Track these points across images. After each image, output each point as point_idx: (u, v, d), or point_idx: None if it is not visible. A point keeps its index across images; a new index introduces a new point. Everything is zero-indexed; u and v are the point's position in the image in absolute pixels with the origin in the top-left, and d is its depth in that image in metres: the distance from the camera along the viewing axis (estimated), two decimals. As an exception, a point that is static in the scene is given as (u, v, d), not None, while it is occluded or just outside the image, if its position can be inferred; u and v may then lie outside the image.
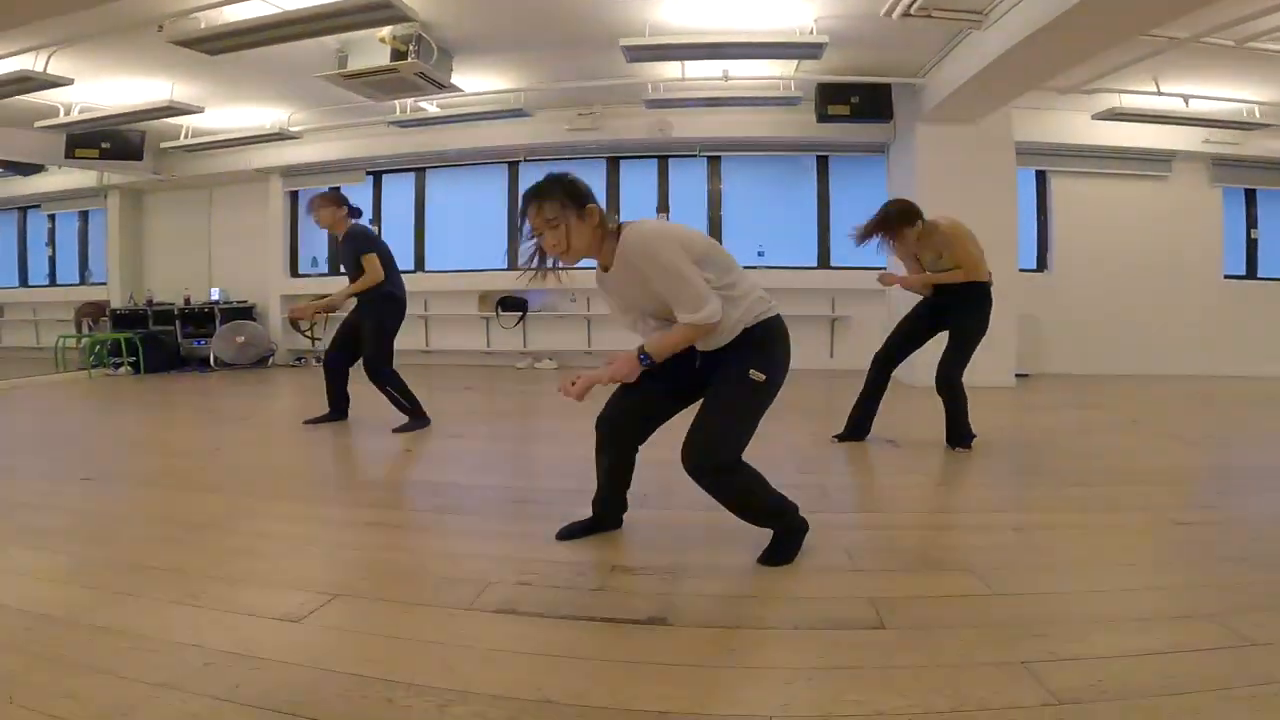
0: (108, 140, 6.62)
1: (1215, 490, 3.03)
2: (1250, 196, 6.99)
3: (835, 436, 3.75)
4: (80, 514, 2.57)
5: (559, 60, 5.70)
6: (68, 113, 5.99)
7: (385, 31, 4.74)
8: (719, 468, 1.94)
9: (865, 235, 3.47)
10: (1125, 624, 1.68)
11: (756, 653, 1.59)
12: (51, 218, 8.83)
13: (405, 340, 7.38)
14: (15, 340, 9.01)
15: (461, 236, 7.76)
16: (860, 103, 5.85)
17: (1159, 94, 5.49)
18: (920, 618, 1.73)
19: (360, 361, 4.07)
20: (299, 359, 7.89)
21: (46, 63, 4.75)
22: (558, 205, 1.89)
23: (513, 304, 7.49)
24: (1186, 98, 5.57)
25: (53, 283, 8.89)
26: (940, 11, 4.41)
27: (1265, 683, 1.40)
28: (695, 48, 4.88)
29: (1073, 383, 6.33)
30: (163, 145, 7.12)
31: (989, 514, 2.66)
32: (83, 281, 8.66)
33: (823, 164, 7.18)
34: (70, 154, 6.60)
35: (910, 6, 4.33)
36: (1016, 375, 6.15)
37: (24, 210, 8.91)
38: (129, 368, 7.14)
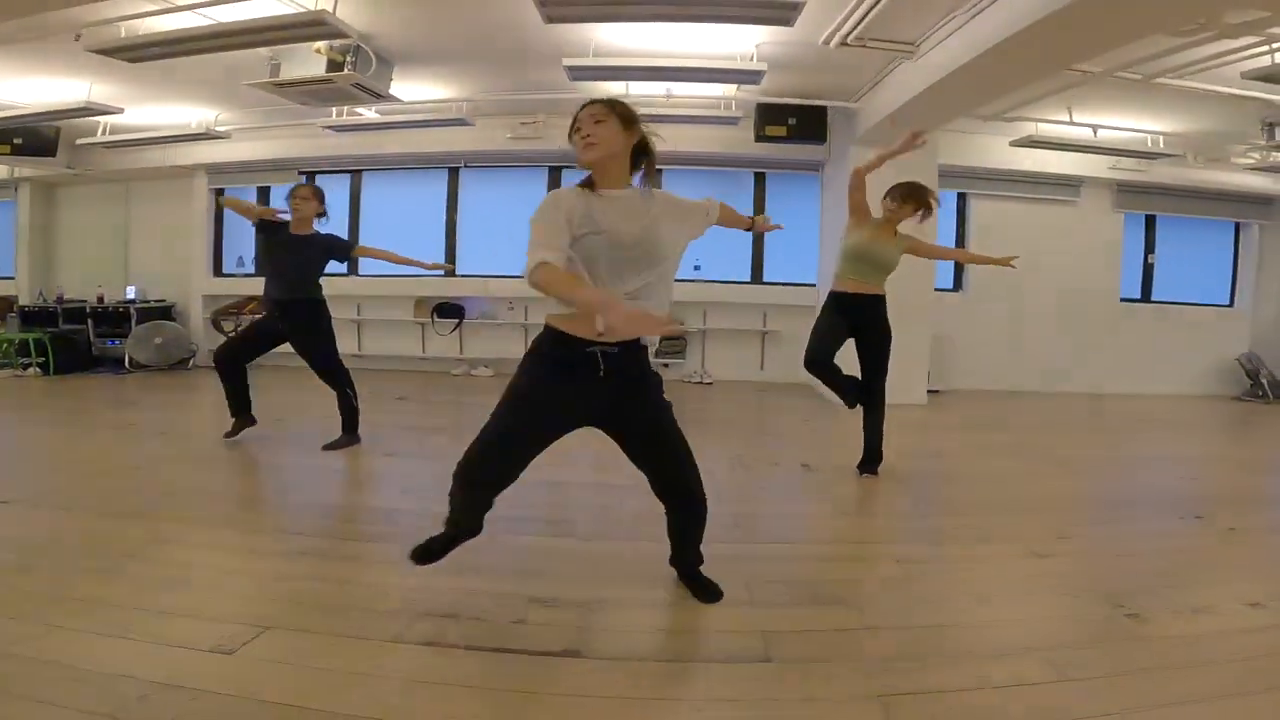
0: (19, 136, 6.31)
1: (1077, 520, 3.22)
2: (1150, 222, 7.53)
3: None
4: (-2, 541, 2.49)
5: (501, 73, 5.70)
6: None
7: (321, 43, 4.66)
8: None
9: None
10: (974, 658, 1.86)
11: (662, 686, 1.73)
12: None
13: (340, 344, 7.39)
14: None
15: (398, 241, 7.59)
16: (797, 124, 6.05)
17: (1071, 123, 5.88)
18: (801, 652, 1.88)
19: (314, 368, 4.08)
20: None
21: None
22: (609, 110, 1.95)
23: (449, 310, 7.44)
24: (1095, 127, 5.97)
25: (-48, 276, 8.34)
26: (875, 42, 4.62)
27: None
28: (638, 70, 4.97)
29: (978, 399, 6.73)
30: (79, 142, 6.77)
31: (877, 545, 2.88)
32: (-12, 277, 8.16)
33: (760, 180, 7.39)
34: (-19, 149, 6.25)
35: (847, 36, 4.53)
36: (928, 391, 6.47)
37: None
38: (38, 369, 6.78)
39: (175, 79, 5.44)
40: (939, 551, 2.70)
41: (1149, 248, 7.56)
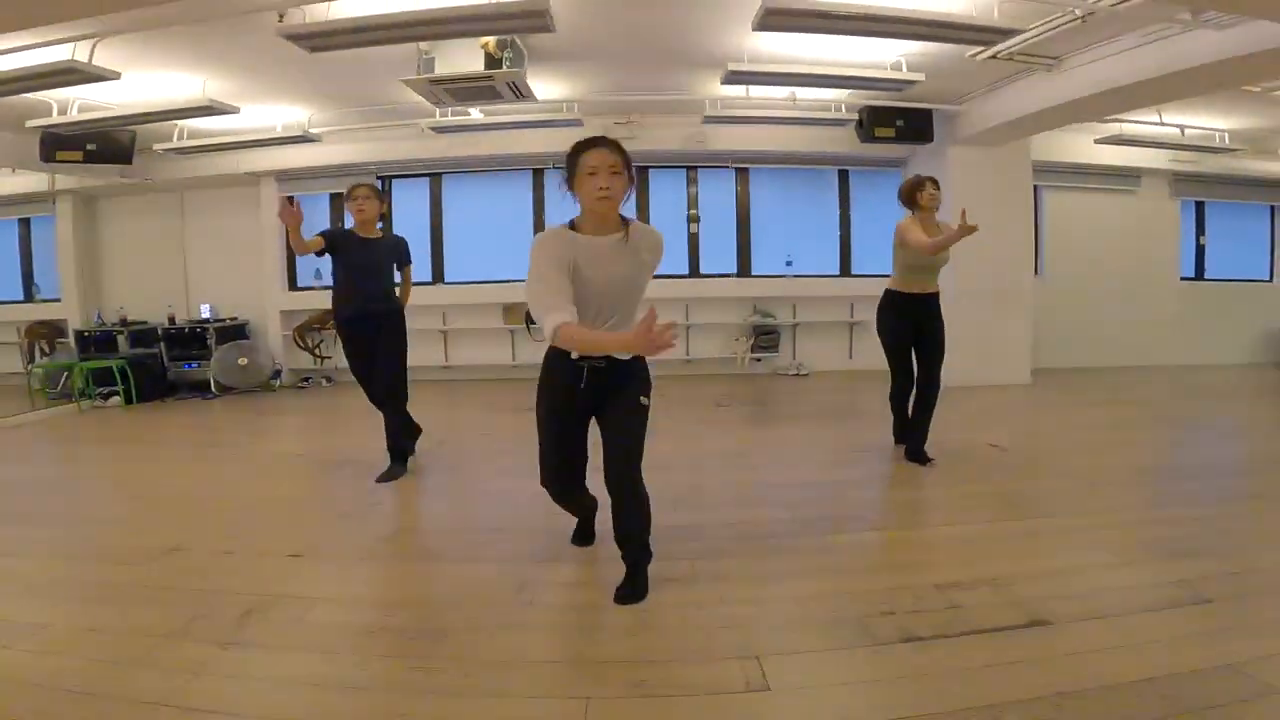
0: (94, 141, 5.81)
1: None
2: (1200, 207, 8.02)
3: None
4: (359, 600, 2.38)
5: (623, 71, 5.61)
6: (63, 111, 5.23)
7: (490, 38, 4.49)
8: (637, 475, 2.26)
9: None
10: None
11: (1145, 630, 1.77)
12: (-16, 226, 7.65)
13: (422, 355, 7.21)
14: None
15: (483, 245, 7.46)
16: (905, 126, 6.18)
17: (1161, 124, 6.19)
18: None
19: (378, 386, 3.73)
20: (306, 379, 7.35)
21: (91, 53, 4.08)
22: (623, 162, 2.12)
23: (538, 316, 7.33)
24: (1183, 127, 6.31)
25: (-12, 299, 7.73)
26: (1022, 56, 4.77)
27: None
28: (794, 76, 4.99)
29: (1072, 377, 7.06)
30: (156, 148, 6.31)
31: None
32: (29, 299, 7.57)
33: (843, 177, 7.51)
34: (49, 157, 5.73)
35: (997, 52, 4.66)
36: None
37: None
38: (121, 398, 6.39)
39: (284, 75, 5.10)
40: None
41: (1200, 230, 8.05)
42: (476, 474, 4.00)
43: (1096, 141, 6.76)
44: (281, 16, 3.75)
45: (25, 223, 7.60)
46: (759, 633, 2.10)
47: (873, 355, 7.54)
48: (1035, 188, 7.58)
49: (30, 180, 6.99)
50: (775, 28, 3.88)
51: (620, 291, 2.19)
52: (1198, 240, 8.06)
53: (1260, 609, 2.18)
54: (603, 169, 2.06)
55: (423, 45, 4.61)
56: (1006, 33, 4.02)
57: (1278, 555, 2.61)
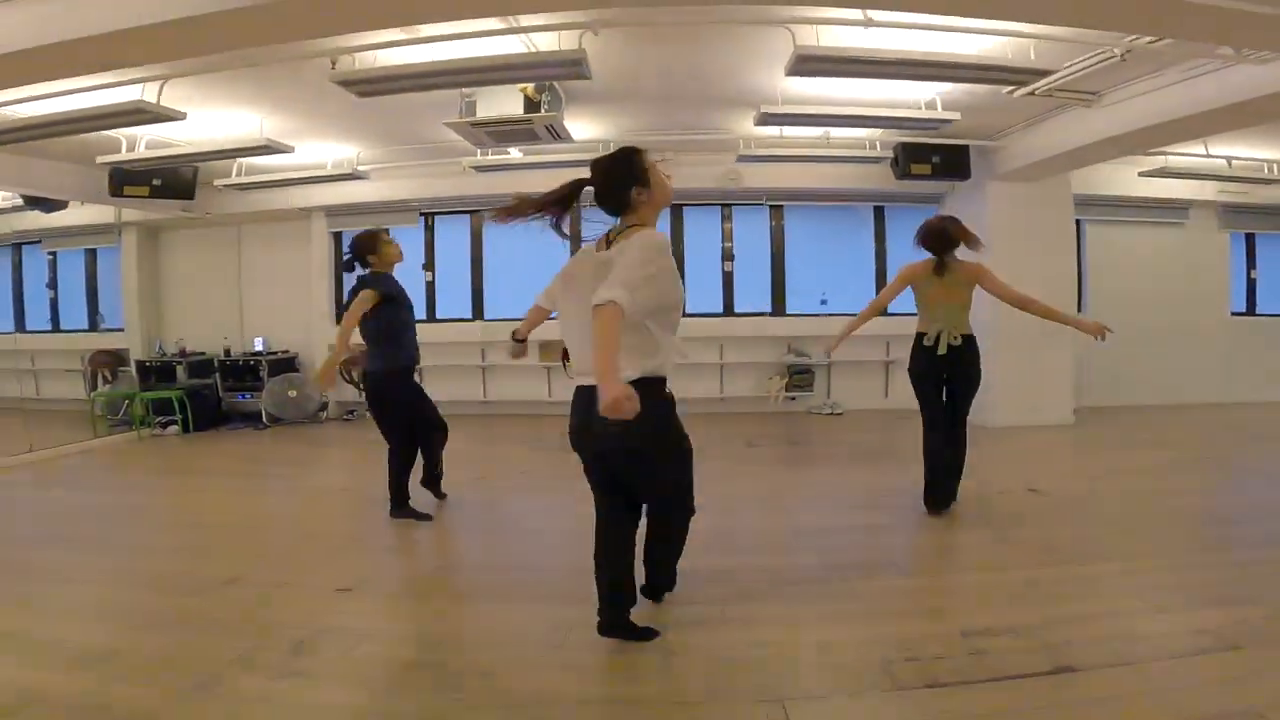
0: (159, 177, 6.16)
1: None
2: (1250, 240, 7.82)
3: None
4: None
5: (657, 112, 5.76)
6: (131, 148, 5.56)
7: (529, 84, 4.68)
8: (673, 514, 2.41)
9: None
10: None
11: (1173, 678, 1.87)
12: (52, 255, 8.11)
13: (462, 390, 7.37)
14: (6, 391, 8.07)
15: (519, 279, 7.63)
16: (941, 162, 6.20)
17: (1207, 155, 6.10)
18: None
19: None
20: (350, 412, 7.57)
21: (159, 94, 4.32)
22: None
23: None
24: (1230, 159, 6.20)
25: (55, 328, 8.16)
26: (1061, 93, 4.79)
27: None
28: (827, 118, 5.07)
29: (1117, 416, 6.90)
30: (216, 183, 6.66)
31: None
32: (93, 328, 7.99)
33: (879, 213, 7.53)
34: (118, 191, 6.11)
35: (1034, 89, 4.69)
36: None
37: (18, 246, 8.13)
38: (179, 426, 6.68)
39: (335, 116, 5.36)
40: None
41: (1250, 263, 7.84)
42: (510, 511, 4.12)
43: (1141, 174, 6.67)
44: (334, 63, 3.97)
45: (92, 253, 8.02)
46: (784, 676, 2.14)
47: (907, 394, 7.52)
48: (1079, 221, 7.53)
49: (97, 212, 7.35)
50: (808, 73, 3.97)
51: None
52: (1249, 273, 7.84)
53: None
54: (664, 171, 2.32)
55: (465, 90, 4.82)
56: (1043, 73, 4.04)
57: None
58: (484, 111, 4.95)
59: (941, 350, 3.67)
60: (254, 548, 3.47)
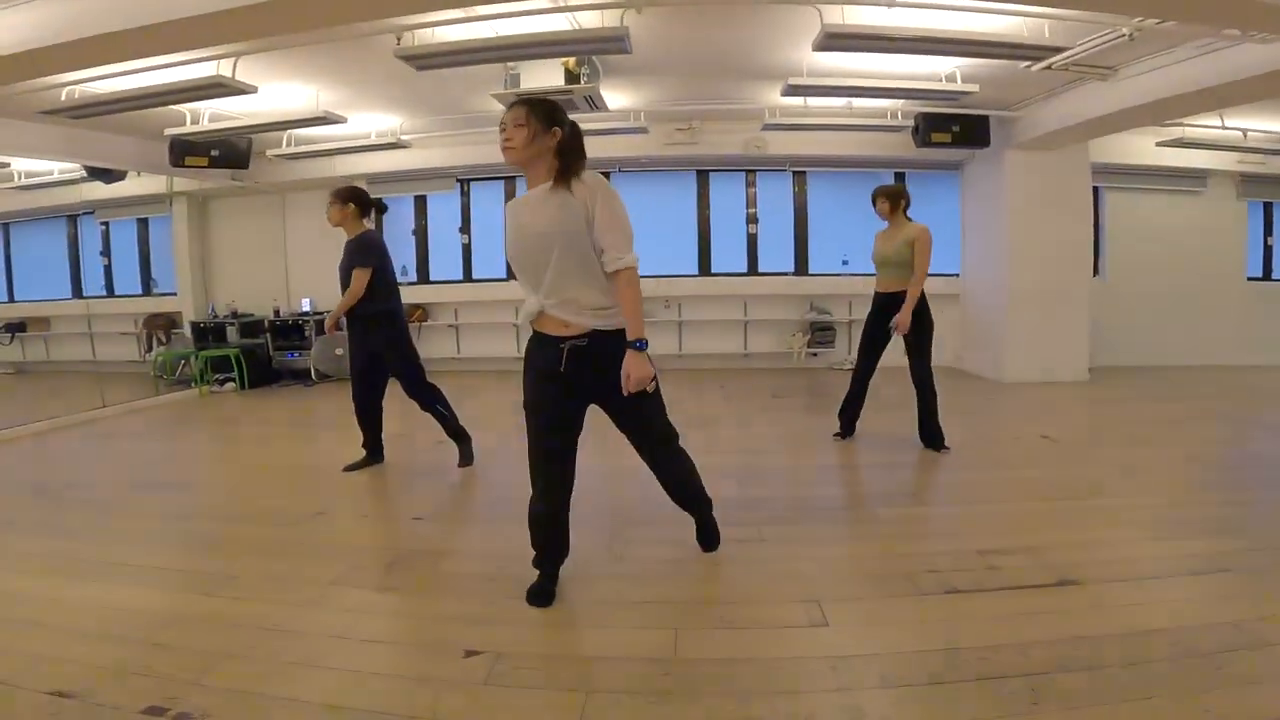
0: (217, 148, 6.51)
1: None
2: (1268, 208, 7.96)
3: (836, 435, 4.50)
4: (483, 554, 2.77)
5: (688, 83, 5.98)
6: (195, 121, 5.90)
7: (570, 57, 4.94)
8: (671, 438, 2.45)
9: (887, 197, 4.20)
10: None
11: (1176, 591, 2.01)
12: (105, 225, 8.52)
13: (497, 347, 7.73)
14: (66, 355, 8.48)
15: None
16: (961, 131, 6.38)
17: (1224, 127, 6.24)
18: None
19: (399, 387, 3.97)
20: (392, 368, 7.99)
21: (234, 69, 4.63)
22: (527, 113, 2.14)
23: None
24: (1245, 131, 6.33)
25: (110, 293, 8.60)
26: (1077, 67, 4.96)
27: None
28: (850, 89, 5.27)
29: (1131, 375, 7.14)
30: (269, 154, 7.00)
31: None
32: (147, 292, 8.43)
33: (899, 180, 7.71)
34: (179, 162, 6.45)
35: (1050, 64, 4.86)
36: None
37: (73, 218, 8.56)
38: (235, 383, 7.12)
39: (385, 88, 5.63)
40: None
41: (1268, 230, 7.98)
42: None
43: (1159, 144, 6.81)
44: (399, 39, 4.26)
45: (144, 222, 8.43)
46: (819, 582, 2.47)
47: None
48: (1097, 189, 7.69)
49: (149, 183, 7.75)
50: (835, 48, 4.19)
51: (564, 238, 2.11)
52: (1265, 240, 7.98)
53: (1274, 581, 2.42)
54: (508, 125, 2.14)
55: (509, 64, 5.09)
56: (1056, 50, 4.24)
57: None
58: (527, 84, 5.23)
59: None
60: (332, 487, 3.83)
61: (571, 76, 5.13)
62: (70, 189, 8.00)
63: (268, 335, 7.65)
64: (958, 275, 7.68)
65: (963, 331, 7.64)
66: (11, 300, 8.48)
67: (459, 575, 2.64)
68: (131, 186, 7.88)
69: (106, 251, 8.58)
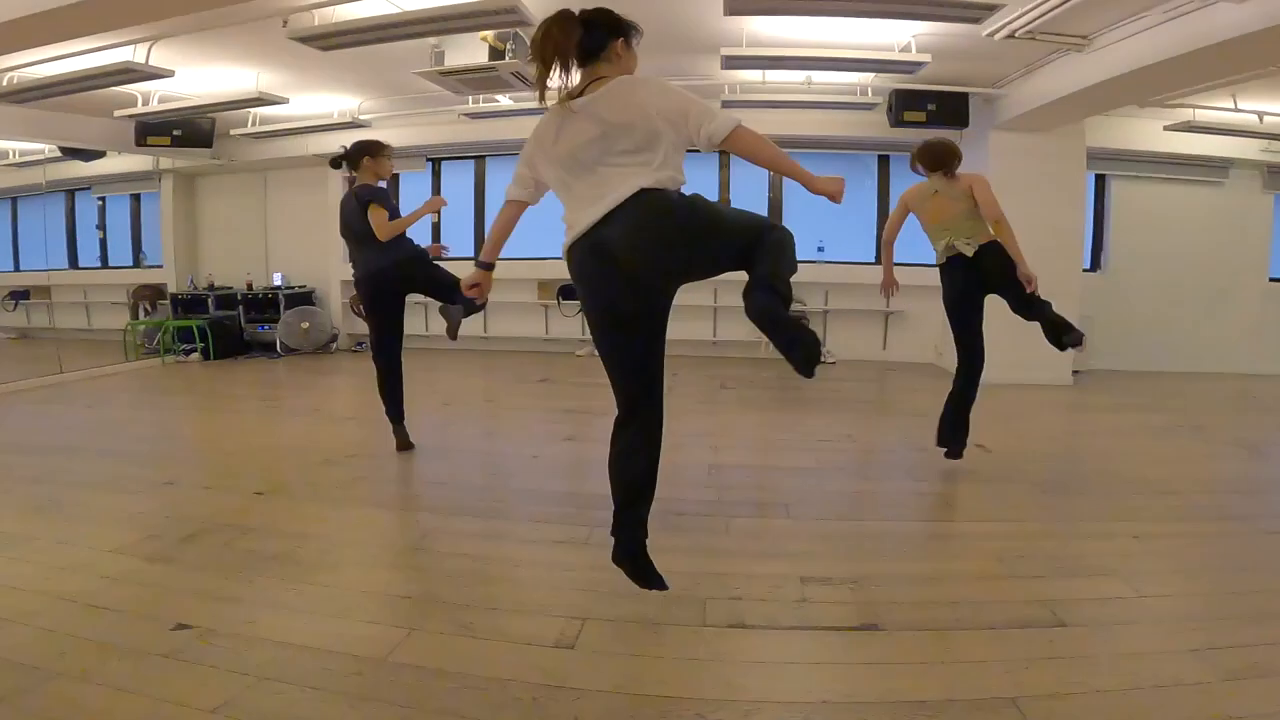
0: (179, 128, 6.62)
1: None
2: (1295, 203, 7.21)
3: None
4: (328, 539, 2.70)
5: (642, 60, 5.73)
6: (146, 102, 5.98)
7: (488, 32, 4.75)
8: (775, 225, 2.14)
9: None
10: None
11: (969, 650, 1.93)
12: (101, 200, 8.80)
13: (464, 327, 7.65)
14: (65, 322, 8.90)
15: (525, 224, 7.79)
16: (937, 110, 5.94)
17: (1236, 110, 5.63)
18: (1090, 617, 2.09)
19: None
20: (360, 344, 8.02)
21: (148, 55, 4.69)
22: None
23: (573, 292, 7.62)
24: (1261, 114, 5.71)
25: (104, 265, 8.89)
26: (1045, 35, 4.50)
27: None
28: (792, 60, 4.94)
29: (1123, 380, 6.60)
30: (232, 133, 7.08)
31: (1106, 523, 2.93)
32: (137, 265, 8.68)
33: (884, 163, 7.29)
34: (141, 141, 6.63)
35: (1015, 30, 4.42)
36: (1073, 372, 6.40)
37: (71, 193, 8.86)
38: (199, 354, 7.25)
39: (332, 67, 5.55)
40: (1165, 528, 2.77)
41: (1294, 228, 7.24)
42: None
43: (1166, 129, 6.21)
44: (285, 23, 4.14)
45: (135, 198, 8.69)
46: (604, 598, 2.28)
47: (908, 347, 7.40)
48: (1103, 177, 7.10)
49: (138, 161, 7.97)
50: (745, 11, 3.90)
51: (623, 136, 1.94)
52: (1292, 237, 7.24)
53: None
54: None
55: (432, 40, 4.93)
56: (993, 7, 3.82)
57: (1160, 585, 2.40)
58: (451, 61, 5.08)
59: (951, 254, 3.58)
60: (199, 458, 3.85)
61: (496, 53, 4.94)
62: (67, 165, 8.30)
63: (240, 308, 7.77)
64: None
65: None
66: (17, 269, 8.86)
67: (249, 552, 2.57)
68: (124, 163, 8.11)
69: (103, 225, 8.86)
